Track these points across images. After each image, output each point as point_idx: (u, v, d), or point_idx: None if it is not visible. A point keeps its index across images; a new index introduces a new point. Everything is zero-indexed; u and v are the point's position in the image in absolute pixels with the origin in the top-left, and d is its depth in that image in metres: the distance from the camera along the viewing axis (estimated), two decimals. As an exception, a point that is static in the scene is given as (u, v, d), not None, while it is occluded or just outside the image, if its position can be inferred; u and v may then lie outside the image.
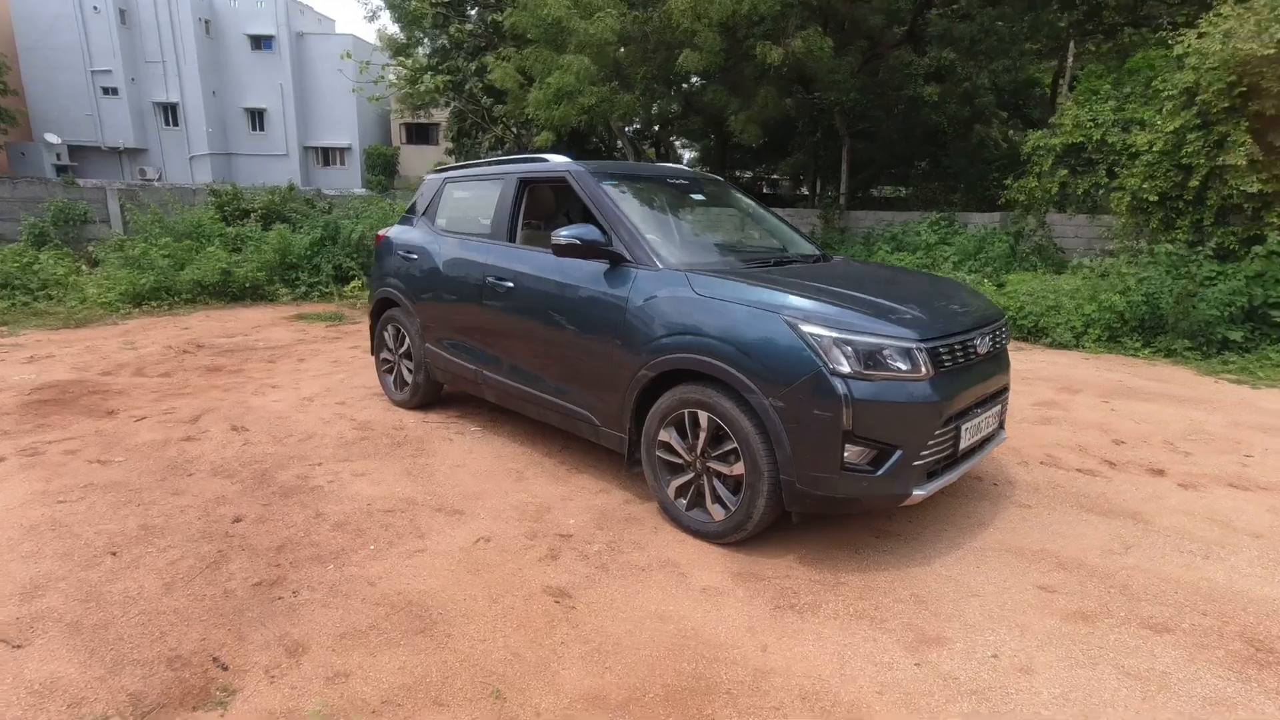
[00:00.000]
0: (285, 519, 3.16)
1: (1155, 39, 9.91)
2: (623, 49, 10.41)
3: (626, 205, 3.53)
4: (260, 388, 5.38)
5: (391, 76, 17.99)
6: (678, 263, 3.21)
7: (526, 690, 2.08)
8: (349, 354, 6.65)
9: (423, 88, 15.44)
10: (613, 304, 3.24)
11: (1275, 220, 6.66)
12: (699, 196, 4.12)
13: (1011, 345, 6.58)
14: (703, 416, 2.92)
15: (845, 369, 2.58)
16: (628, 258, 3.27)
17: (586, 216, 3.56)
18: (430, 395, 4.75)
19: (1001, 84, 12.21)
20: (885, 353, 2.63)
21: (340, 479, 3.61)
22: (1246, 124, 6.55)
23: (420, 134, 36.83)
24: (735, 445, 2.82)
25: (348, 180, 34.02)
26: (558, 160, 3.98)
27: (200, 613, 2.44)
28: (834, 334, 2.62)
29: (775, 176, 22.33)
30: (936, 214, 11.59)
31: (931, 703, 2.05)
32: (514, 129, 17.33)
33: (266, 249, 9.98)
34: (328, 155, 35.56)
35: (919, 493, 2.72)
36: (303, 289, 10.04)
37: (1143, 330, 6.86)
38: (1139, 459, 4.02)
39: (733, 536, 2.92)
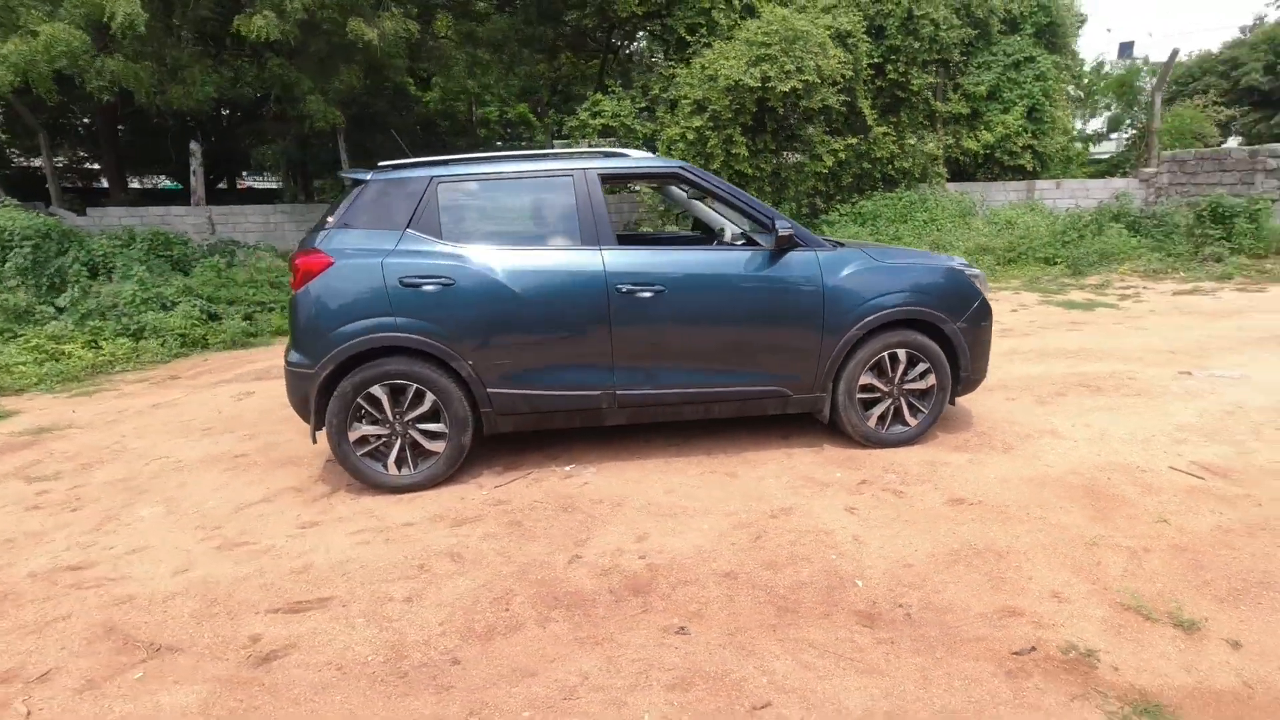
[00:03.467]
0: (699, 594, 2.63)
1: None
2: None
3: (749, 195, 3.87)
4: (115, 560, 2.95)
5: None
6: (829, 243, 3.91)
7: (1116, 529, 2.97)
8: (101, 476, 3.85)
9: None
10: (806, 284, 3.72)
11: (754, 191, 10.62)
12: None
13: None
14: (901, 353, 3.88)
15: (983, 293, 4.04)
16: (798, 242, 3.76)
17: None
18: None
19: (523, 85, 13.81)
20: (982, 279, 4.18)
21: (637, 556, 2.94)
22: (740, 128, 10.15)
23: None
24: (927, 366, 3.92)
25: None
26: (640, 155, 3.81)
27: None
28: (974, 271, 4.03)
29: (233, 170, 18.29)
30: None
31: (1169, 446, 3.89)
32: None
33: None
34: None
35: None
36: None
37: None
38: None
39: (925, 433, 4.04)
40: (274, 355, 7.09)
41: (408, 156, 3.85)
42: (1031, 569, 2.74)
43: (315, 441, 3.57)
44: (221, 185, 22.22)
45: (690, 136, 10.24)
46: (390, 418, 3.52)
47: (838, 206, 11.63)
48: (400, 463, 3.58)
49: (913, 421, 3.99)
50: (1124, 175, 13.22)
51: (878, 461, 3.81)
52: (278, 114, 13.20)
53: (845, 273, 3.78)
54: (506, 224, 3.70)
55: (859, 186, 12.00)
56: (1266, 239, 9.41)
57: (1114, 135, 15.31)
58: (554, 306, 3.55)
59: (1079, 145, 15.31)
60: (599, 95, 11.27)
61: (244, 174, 23.10)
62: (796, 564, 2.83)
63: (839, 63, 9.93)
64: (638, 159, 3.81)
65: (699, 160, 10.40)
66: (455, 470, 3.67)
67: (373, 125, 13.44)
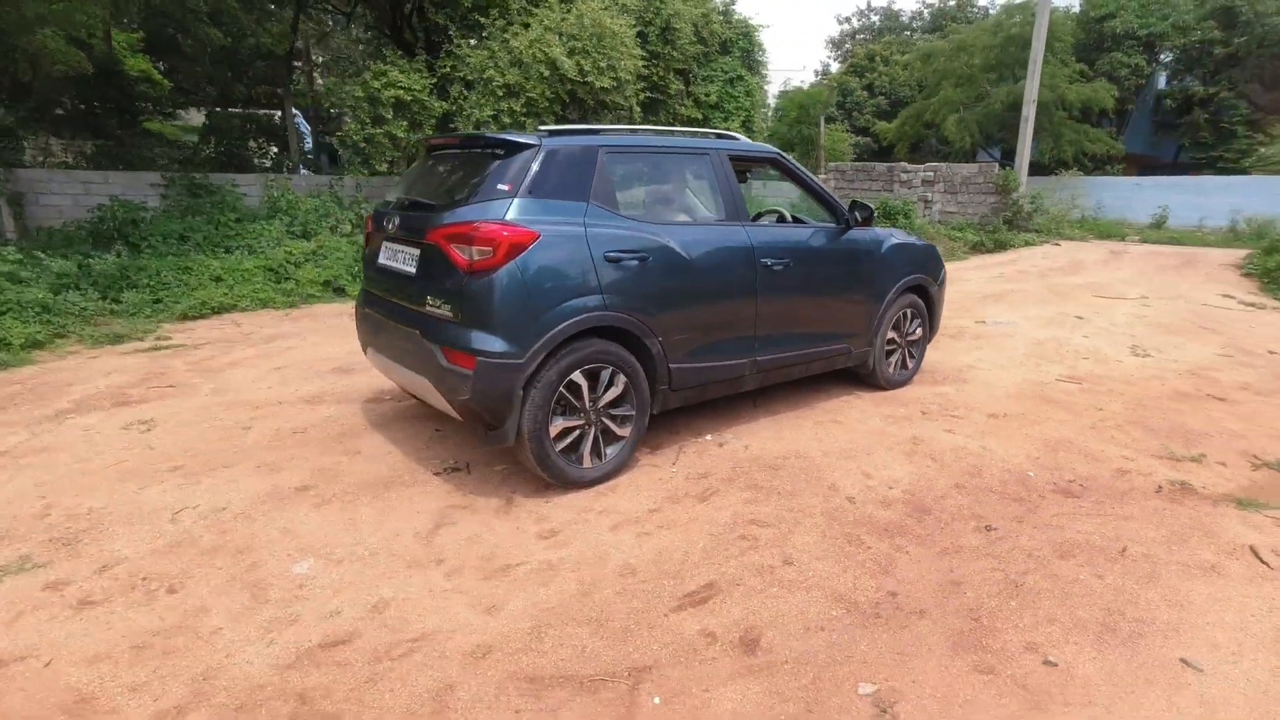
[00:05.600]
0: (958, 503, 3.28)
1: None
2: None
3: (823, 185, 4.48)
4: (368, 622, 2.33)
5: None
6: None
7: (1089, 417, 4.37)
8: (127, 548, 2.69)
9: None
10: (868, 256, 4.51)
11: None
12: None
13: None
14: (909, 311, 4.94)
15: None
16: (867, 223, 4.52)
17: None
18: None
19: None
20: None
21: (886, 487, 3.40)
22: (553, 116, 10.27)
23: None
24: (920, 321, 5.06)
25: None
26: (744, 140, 4.10)
27: (1128, 507, 3.28)
28: (934, 246, 5.28)
29: None
30: (179, 177, 9.97)
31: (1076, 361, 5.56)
32: None
33: None
34: None
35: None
36: None
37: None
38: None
39: (914, 377, 5.18)
40: (79, 372, 5.13)
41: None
42: (1094, 446, 4.00)
43: (512, 443, 3.10)
44: None
45: (506, 120, 10.02)
46: (587, 405, 3.27)
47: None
48: (594, 454, 3.35)
49: (910, 366, 5.10)
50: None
51: (907, 398, 4.81)
52: None
53: (884, 248, 4.66)
54: (666, 198, 3.67)
55: (632, 178, 13.06)
56: (903, 229, 13.22)
57: (797, 147, 19.41)
58: (724, 280, 3.69)
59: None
60: (384, 66, 10.16)
61: None
62: (982, 471, 3.64)
63: (639, 62, 10.77)
64: (745, 143, 4.10)
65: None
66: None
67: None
